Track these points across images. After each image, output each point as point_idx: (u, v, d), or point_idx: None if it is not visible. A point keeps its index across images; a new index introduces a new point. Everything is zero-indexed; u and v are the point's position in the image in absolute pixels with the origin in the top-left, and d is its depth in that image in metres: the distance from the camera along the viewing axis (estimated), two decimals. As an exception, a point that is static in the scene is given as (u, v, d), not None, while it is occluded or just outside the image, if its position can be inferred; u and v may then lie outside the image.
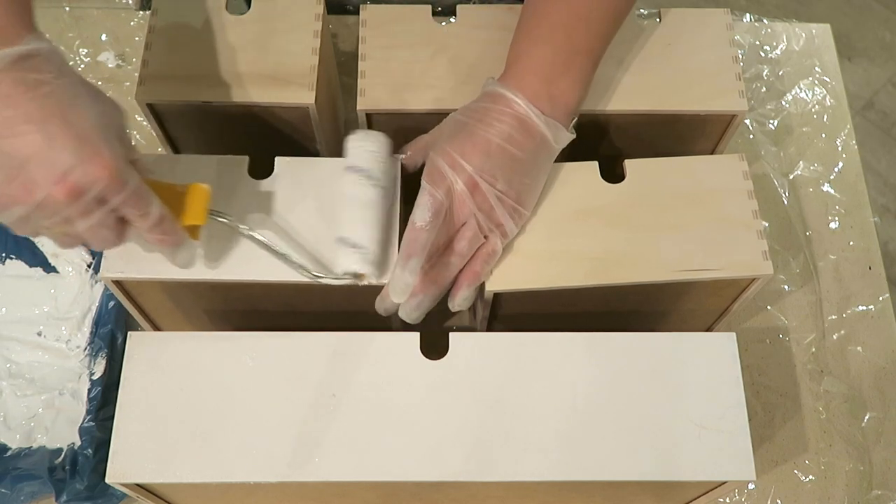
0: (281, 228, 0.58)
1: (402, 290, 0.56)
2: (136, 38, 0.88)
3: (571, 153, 0.71)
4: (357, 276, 0.56)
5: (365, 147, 0.59)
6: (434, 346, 0.56)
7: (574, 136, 0.59)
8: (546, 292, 0.59)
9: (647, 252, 0.59)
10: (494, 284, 0.58)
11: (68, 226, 0.49)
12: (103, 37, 0.88)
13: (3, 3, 0.47)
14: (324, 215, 0.59)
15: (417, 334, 0.56)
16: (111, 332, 0.71)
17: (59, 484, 0.65)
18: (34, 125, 0.46)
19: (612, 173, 0.62)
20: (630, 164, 0.62)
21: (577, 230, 0.60)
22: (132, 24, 0.89)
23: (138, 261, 0.57)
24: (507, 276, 0.59)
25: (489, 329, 0.66)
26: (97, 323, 0.72)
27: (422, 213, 0.55)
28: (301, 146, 0.70)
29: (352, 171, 0.58)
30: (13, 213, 0.48)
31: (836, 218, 0.83)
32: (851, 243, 0.82)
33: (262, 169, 0.61)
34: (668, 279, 0.58)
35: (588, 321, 0.61)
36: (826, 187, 0.85)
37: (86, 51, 0.87)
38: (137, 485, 0.53)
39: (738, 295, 0.64)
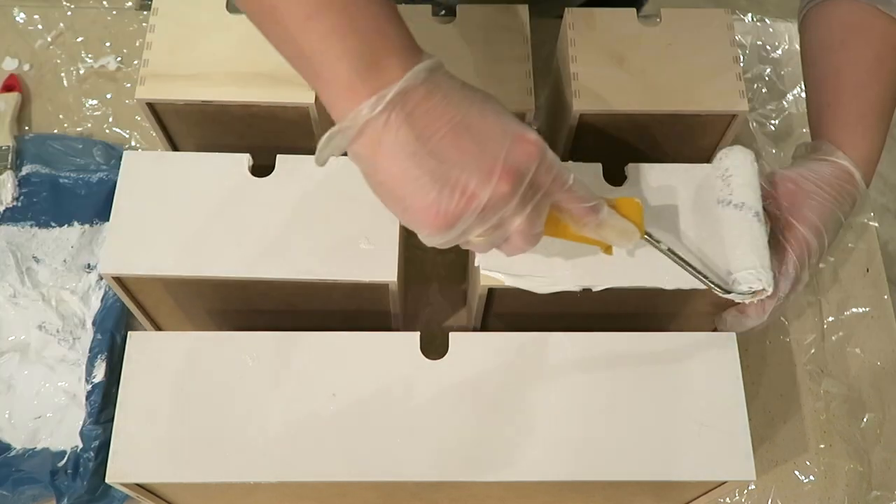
0: (291, 226, 0.58)
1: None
2: (137, 39, 0.88)
3: (572, 154, 0.71)
4: (755, 292, 0.57)
5: (729, 174, 0.60)
6: (434, 346, 0.56)
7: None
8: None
9: (647, 256, 0.58)
10: (488, 280, 0.58)
11: (499, 228, 0.47)
12: (103, 37, 0.88)
13: (400, 22, 0.46)
14: (327, 213, 0.59)
15: (417, 334, 0.56)
16: (111, 334, 0.71)
17: (61, 488, 0.65)
18: (454, 128, 0.45)
19: (613, 175, 0.62)
20: (631, 169, 0.61)
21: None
22: (132, 24, 0.89)
23: (138, 257, 0.57)
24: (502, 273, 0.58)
25: (488, 326, 0.66)
26: (97, 325, 0.72)
27: (785, 284, 0.59)
28: (301, 146, 0.70)
29: (723, 204, 0.60)
30: (457, 229, 0.45)
31: (836, 218, 0.83)
32: (851, 244, 0.82)
33: (262, 167, 0.61)
34: (668, 286, 0.58)
35: (588, 323, 0.61)
36: (826, 188, 0.85)
37: (86, 51, 0.87)
38: (137, 485, 0.53)
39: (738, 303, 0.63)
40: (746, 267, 0.57)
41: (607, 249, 0.56)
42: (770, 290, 0.57)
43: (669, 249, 0.55)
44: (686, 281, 0.57)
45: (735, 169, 0.60)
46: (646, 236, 0.54)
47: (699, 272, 0.55)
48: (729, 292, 0.56)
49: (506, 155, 0.45)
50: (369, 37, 0.44)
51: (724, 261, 0.58)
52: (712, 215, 0.60)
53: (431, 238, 0.46)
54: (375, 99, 0.43)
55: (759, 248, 0.57)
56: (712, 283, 0.56)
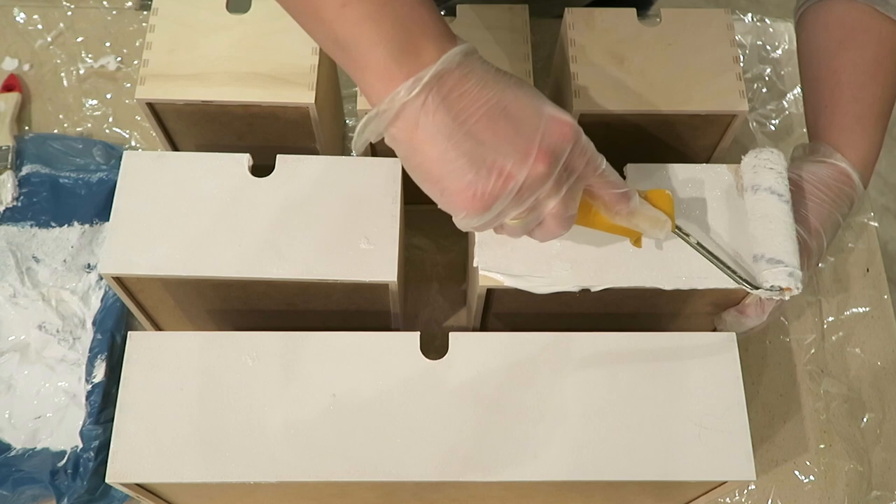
0: (293, 225, 0.58)
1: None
2: (137, 39, 0.88)
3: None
4: (783, 290, 0.56)
5: (769, 166, 0.60)
6: (434, 346, 0.56)
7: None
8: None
9: (647, 256, 0.58)
10: (487, 280, 0.58)
11: (535, 211, 0.48)
12: (103, 37, 0.88)
13: (433, 7, 0.46)
14: (327, 213, 0.59)
15: (417, 334, 0.56)
16: (111, 334, 0.71)
17: (61, 488, 0.65)
18: (490, 110, 0.45)
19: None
20: (631, 170, 0.61)
21: (575, 231, 0.59)
22: (132, 24, 0.89)
23: (138, 257, 0.57)
24: (501, 273, 0.58)
25: (487, 326, 0.66)
26: (97, 325, 0.72)
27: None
28: (301, 146, 0.70)
29: (762, 190, 0.59)
30: (493, 211, 0.46)
31: (836, 218, 0.83)
32: (851, 244, 0.82)
33: (262, 167, 0.61)
34: (667, 286, 0.58)
35: (588, 323, 0.61)
36: (826, 188, 0.85)
37: (86, 51, 0.87)
38: (137, 485, 0.53)
39: (738, 303, 0.63)
40: (793, 265, 0.56)
41: (637, 241, 0.57)
42: (799, 291, 0.56)
43: (699, 243, 0.55)
44: (685, 281, 0.57)
45: (776, 164, 0.60)
46: (676, 229, 0.55)
47: (728, 267, 0.55)
48: (757, 288, 0.56)
49: (541, 136, 0.45)
50: (404, 22, 0.44)
51: (751, 249, 0.58)
52: (719, 211, 0.60)
53: (468, 221, 0.47)
54: (412, 81, 0.44)
55: (790, 245, 0.57)
56: (741, 279, 0.56)
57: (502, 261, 0.57)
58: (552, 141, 0.46)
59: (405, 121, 0.45)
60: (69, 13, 0.89)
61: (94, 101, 0.85)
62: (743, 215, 0.60)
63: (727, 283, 0.57)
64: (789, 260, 0.56)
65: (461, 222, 0.48)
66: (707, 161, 0.75)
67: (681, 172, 0.61)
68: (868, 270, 0.81)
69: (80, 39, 0.88)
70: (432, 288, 0.77)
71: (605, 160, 0.50)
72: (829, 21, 0.69)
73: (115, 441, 0.52)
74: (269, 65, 0.66)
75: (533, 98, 0.47)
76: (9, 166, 0.78)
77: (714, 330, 0.65)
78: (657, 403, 0.54)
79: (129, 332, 0.55)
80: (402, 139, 0.46)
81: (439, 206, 0.48)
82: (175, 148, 0.73)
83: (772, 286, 0.56)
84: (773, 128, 0.88)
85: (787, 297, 0.57)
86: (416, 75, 0.44)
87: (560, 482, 0.53)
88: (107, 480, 0.52)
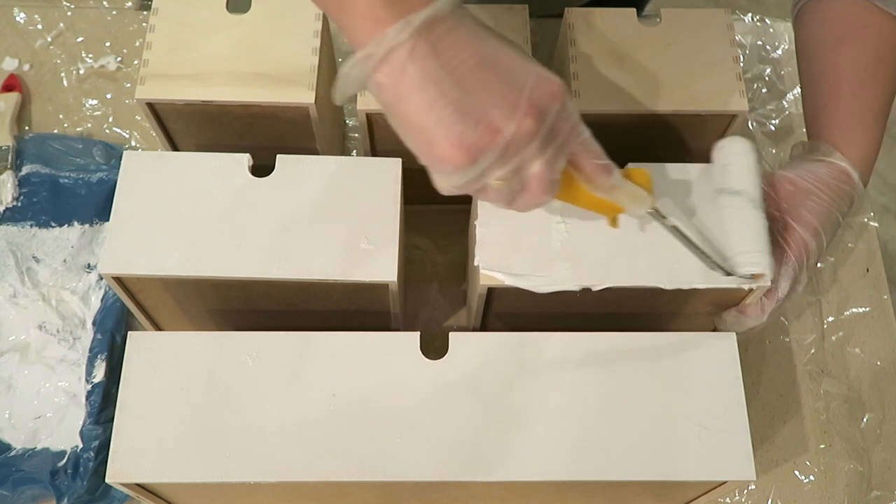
0: (287, 226, 0.58)
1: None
2: (137, 39, 0.88)
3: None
4: (756, 276, 0.57)
5: (738, 165, 0.60)
6: (434, 346, 0.56)
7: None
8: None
9: (647, 256, 0.58)
10: (487, 279, 0.58)
11: (519, 173, 0.46)
12: (103, 37, 0.88)
13: None
14: (327, 213, 0.59)
15: (417, 334, 0.56)
16: (111, 334, 0.71)
17: (61, 488, 0.65)
18: (480, 60, 0.44)
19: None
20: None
21: (576, 231, 0.59)
22: (132, 24, 0.89)
23: (138, 257, 0.57)
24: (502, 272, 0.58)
25: (487, 326, 0.66)
26: (97, 325, 0.72)
27: (784, 285, 0.60)
28: (300, 146, 0.70)
29: (726, 194, 0.59)
30: (479, 165, 0.44)
31: (836, 218, 0.83)
32: (851, 244, 0.82)
33: (262, 167, 0.61)
34: (668, 286, 0.58)
35: (588, 323, 0.61)
36: (826, 188, 0.85)
37: (86, 51, 0.87)
38: (137, 485, 0.53)
39: (738, 303, 0.63)
40: (743, 251, 0.57)
41: (613, 221, 0.57)
42: (769, 274, 0.57)
43: (675, 226, 0.55)
44: (685, 280, 0.57)
45: (734, 157, 0.60)
46: (654, 209, 0.55)
47: (703, 251, 0.56)
48: (730, 274, 0.56)
49: (530, 91, 0.44)
50: None
51: (725, 250, 0.58)
52: (713, 210, 0.60)
53: (451, 177, 0.45)
54: (402, 23, 0.42)
55: (755, 233, 0.57)
56: (715, 263, 0.56)
57: (503, 260, 0.57)
58: (541, 97, 0.45)
59: (392, 66, 0.43)
60: (69, 13, 0.89)
61: (94, 101, 0.85)
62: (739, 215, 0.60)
63: (727, 282, 0.57)
64: (752, 247, 0.57)
65: (444, 179, 0.46)
66: (707, 161, 0.75)
67: (680, 172, 0.61)
68: (868, 270, 0.81)
69: (80, 39, 0.88)
70: (432, 288, 0.77)
71: (588, 129, 0.49)
72: (828, 17, 0.68)
73: (115, 441, 0.52)
74: (269, 65, 0.66)
75: (521, 55, 0.46)
76: (9, 166, 0.79)
77: (714, 330, 0.65)
78: (657, 403, 0.54)
79: (129, 332, 0.55)
80: (387, 85, 0.44)
81: (420, 161, 0.46)
82: (175, 148, 0.73)
83: (743, 273, 0.57)
84: (773, 128, 0.88)
85: (757, 285, 0.57)
86: (405, 18, 0.42)
87: (560, 482, 0.53)
88: (107, 480, 0.52)
